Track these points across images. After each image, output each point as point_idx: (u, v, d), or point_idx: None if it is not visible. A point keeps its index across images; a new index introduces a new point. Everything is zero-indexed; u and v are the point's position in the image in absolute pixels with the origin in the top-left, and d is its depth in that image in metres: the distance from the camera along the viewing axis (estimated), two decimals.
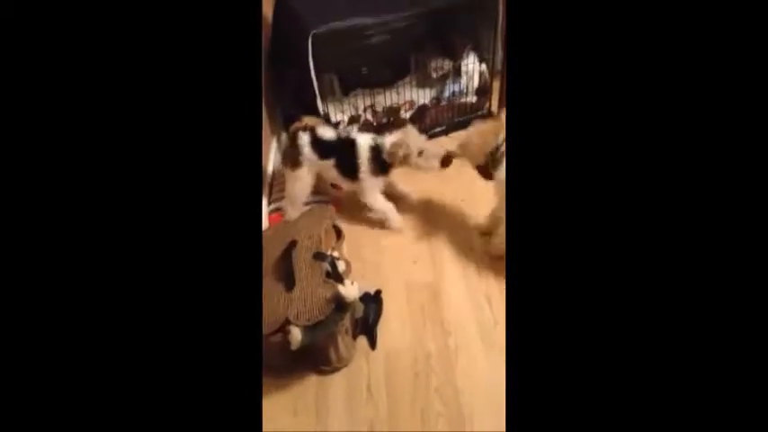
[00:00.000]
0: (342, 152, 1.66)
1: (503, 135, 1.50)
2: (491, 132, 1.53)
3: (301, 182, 1.70)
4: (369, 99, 2.15)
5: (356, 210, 1.79)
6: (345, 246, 1.65)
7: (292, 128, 1.67)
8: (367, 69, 2.24)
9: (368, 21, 1.82)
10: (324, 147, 1.66)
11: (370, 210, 1.75)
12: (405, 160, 1.64)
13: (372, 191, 1.72)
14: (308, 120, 1.69)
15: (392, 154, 1.62)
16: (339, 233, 1.53)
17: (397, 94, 2.13)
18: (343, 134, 1.73)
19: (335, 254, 1.40)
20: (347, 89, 2.21)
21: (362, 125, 2.08)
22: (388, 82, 2.24)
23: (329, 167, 1.68)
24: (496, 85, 2.23)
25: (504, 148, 1.48)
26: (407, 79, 2.27)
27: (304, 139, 1.65)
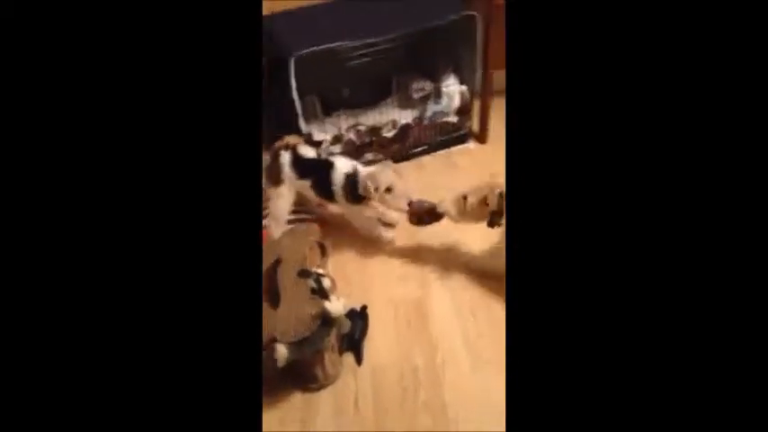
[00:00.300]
0: (320, 173, 1.67)
1: (500, 190, 1.44)
2: (488, 190, 1.46)
3: (283, 199, 1.71)
4: (351, 120, 2.18)
5: (341, 227, 1.80)
6: (331, 263, 1.65)
7: (274, 146, 1.69)
8: (349, 91, 2.28)
9: (349, 43, 1.86)
10: (303, 166, 1.68)
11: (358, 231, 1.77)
12: (371, 196, 1.59)
13: (358, 217, 1.73)
14: (289, 139, 1.71)
15: (364, 187, 1.58)
16: (324, 250, 1.53)
17: (380, 114, 2.17)
18: (324, 155, 1.76)
19: (320, 271, 1.40)
20: (329, 110, 2.25)
21: (345, 144, 2.11)
22: (371, 103, 2.28)
23: (306, 187, 1.70)
24: (477, 105, 2.29)
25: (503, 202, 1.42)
26: (389, 100, 2.31)
27: (285, 157, 1.67)
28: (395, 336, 1.47)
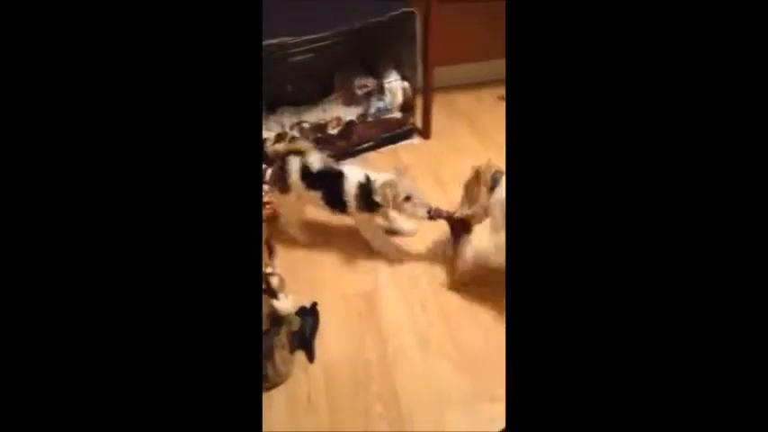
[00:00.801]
0: (330, 184, 1.61)
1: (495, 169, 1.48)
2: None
3: (292, 208, 1.69)
4: (295, 117, 2.16)
5: (287, 226, 1.79)
6: (280, 261, 1.64)
7: (280, 150, 1.66)
8: (292, 87, 2.26)
9: (290, 39, 1.85)
10: (312, 177, 1.62)
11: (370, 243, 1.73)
12: (390, 204, 1.55)
13: (368, 227, 1.69)
14: (301, 144, 1.68)
15: (383, 196, 1.53)
16: (271, 249, 1.52)
17: (324, 111, 2.17)
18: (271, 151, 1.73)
19: (268, 269, 1.39)
20: (273, 107, 2.22)
21: (290, 142, 2.09)
22: (314, 100, 2.27)
23: (317, 199, 1.64)
24: (419, 101, 2.33)
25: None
26: (333, 97, 2.32)
27: (294, 164, 1.62)
28: (346, 331, 1.48)
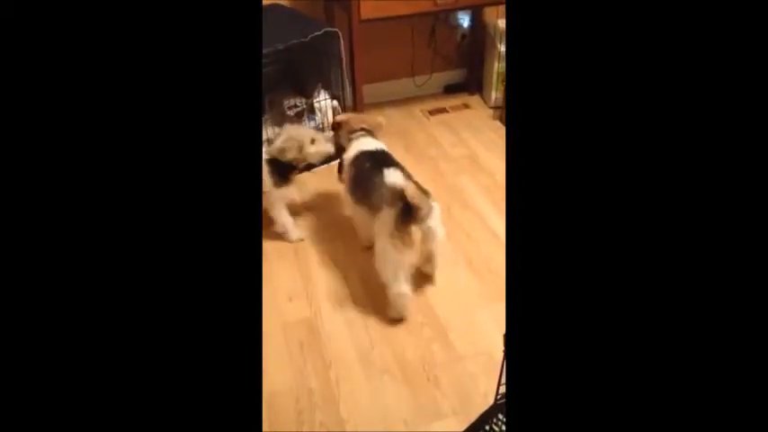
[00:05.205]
0: None
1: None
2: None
3: None
4: None
5: None
6: None
7: None
8: None
9: None
10: None
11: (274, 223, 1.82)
12: (300, 153, 1.70)
13: (278, 204, 1.80)
14: None
15: (285, 150, 1.68)
16: None
17: None
18: None
19: None
20: None
21: None
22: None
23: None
24: None
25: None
26: (264, 118, 2.28)
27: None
28: (288, 359, 1.45)
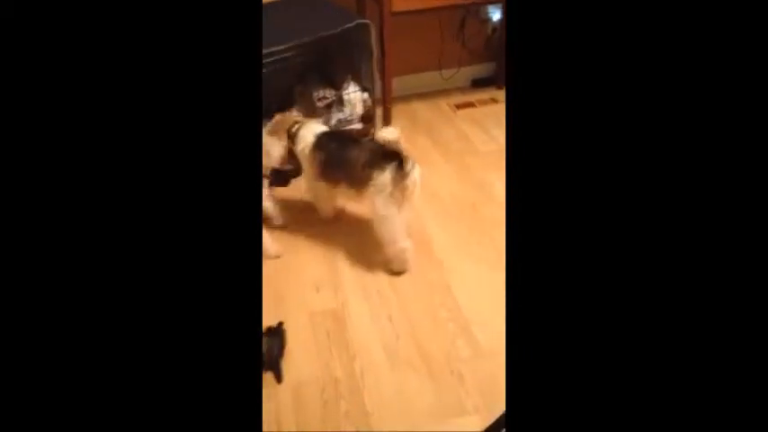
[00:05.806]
0: None
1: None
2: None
3: None
4: None
5: None
6: None
7: None
8: None
9: None
10: None
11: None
12: (293, 130, 1.75)
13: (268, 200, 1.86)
14: None
15: (278, 123, 1.76)
16: None
17: None
18: None
19: None
20: None
21: None
22: (275, 113, 2.25)
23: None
24: (379, 112, 2.35)
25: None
26: (293, 110, 2.30)
27: None
28: (314, 349, 1.48)
